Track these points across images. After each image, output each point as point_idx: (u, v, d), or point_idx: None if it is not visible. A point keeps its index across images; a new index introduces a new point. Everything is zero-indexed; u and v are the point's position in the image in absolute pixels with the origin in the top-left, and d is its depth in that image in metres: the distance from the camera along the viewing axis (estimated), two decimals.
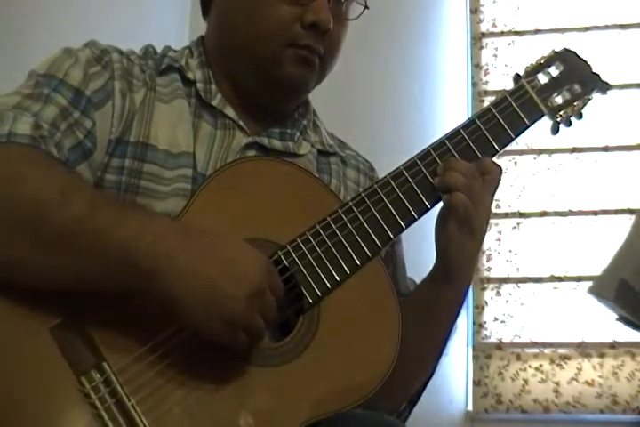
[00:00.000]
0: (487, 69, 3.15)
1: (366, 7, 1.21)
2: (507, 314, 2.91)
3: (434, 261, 1.17)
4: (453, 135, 1.17)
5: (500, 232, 2.96)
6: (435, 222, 1.15)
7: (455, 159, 1.14)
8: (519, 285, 2.93)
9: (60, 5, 2.30)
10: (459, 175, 1.11)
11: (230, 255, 0.97)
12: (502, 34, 3.18)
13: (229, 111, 1.19)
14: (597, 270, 1.92)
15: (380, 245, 1.10)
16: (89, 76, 1.12)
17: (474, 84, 3.13)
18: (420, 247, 1.39)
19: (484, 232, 1.16)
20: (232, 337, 0.96)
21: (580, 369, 2.79)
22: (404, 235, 1.20)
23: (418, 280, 1.26)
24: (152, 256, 0.93)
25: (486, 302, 2.94)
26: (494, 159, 1.18)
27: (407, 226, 1.12)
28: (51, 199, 0.95)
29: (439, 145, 1.16)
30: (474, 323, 2.92)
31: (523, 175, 2.99)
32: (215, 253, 0.96)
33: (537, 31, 3.13)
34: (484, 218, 1.14)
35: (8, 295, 0.95)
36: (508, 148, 1.20)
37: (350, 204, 1.11)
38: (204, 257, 0.95)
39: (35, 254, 0.95)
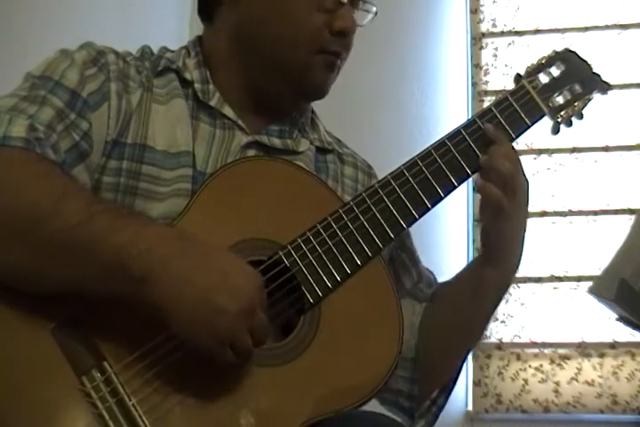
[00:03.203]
0: (487, 69, 3.14)
1: (376, 13, 1.22)
2: (507, 314, 2.90)
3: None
4: (454, 135, 1.17)
5: None
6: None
7: (509, 145, 1.17)
8: (519, 285, 2.92)
9: (60, 6, 2.30)
10: (507, 163, 1.14)
11: (225, 269, 0.96)
12: (502, 34, 3.17)
13: (228, 111, 1.19)
14: (597, 270, 1.92)
15: (380, 246, 1.10)
16: (85, 77, 1.12)
17: (474, 84, 3.12)
18: (419, 246, 1.39)
19: (524, 214, 1.18)
20: (217, 351, 0.95)
21: (580, 369, 2.79)
22: None
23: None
24: (145, 263, 0.93)
25: None
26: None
27: (408, 226, 1.13)
28: (46, 205, 0.94)
29: (440, 145, 1.16)
30: None
31: None
32: (210, 265, 0.95)
33: (537, 31, 3.12)
34: (520, 202, 1.16)
35: (9, 296, 0.95)
36: None
37: (351, 204, 1.11)
38: (198, 268, 0.94)
39: (31, 259, 0.95)
